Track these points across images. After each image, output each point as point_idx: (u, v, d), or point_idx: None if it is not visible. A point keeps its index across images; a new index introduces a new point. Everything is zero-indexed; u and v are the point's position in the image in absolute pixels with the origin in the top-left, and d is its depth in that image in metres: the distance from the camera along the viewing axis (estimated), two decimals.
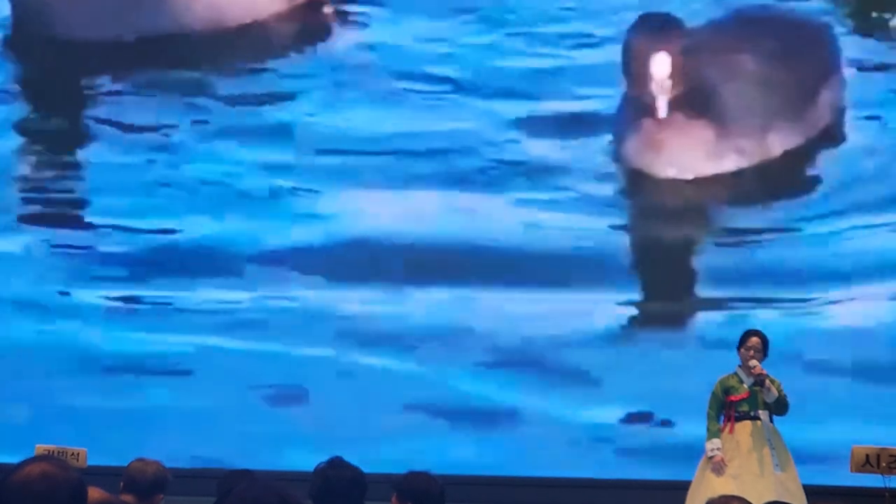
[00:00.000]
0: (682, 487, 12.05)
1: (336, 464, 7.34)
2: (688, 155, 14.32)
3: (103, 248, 14.89)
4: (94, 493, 5.54)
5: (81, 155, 15.23)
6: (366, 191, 14.72)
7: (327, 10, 15.16)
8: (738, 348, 11.84)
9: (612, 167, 14.61)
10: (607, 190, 14.65)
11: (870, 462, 11.93)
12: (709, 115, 14.21)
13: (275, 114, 14.97)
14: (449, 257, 14.52)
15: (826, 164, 14.56)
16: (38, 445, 12.07)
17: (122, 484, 8.21)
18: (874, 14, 14.82)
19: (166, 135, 15.07)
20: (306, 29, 15.19)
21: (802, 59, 14.59)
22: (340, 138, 14.78)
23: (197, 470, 12.60)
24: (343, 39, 15.16)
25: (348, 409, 14.21)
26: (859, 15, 14.74)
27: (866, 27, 14.78)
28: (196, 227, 14.81)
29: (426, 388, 14.32)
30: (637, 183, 14.64)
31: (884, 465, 11.89)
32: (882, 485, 11.95)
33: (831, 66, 14.62)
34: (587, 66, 14.82)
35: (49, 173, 15.23)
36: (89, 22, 15.01)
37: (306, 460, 7.77)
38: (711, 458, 11.64)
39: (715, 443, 11.68)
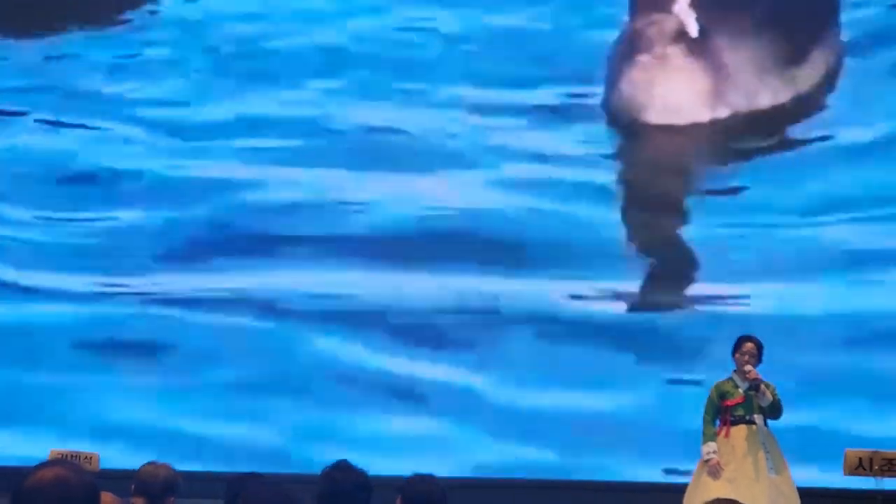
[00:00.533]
0: (679, 490, 12.33)
1: (342, 467, 7.41)
2: (683, 98, 14.67)
3: None
4: (106, 497, 5.95)
5: None
6: None
7: None
8: (733, 354, 12.08)
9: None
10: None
11: (862, 465, 12.15)
12: (706, 60, 14.55)
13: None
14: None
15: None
16: (51, 450, 12.33)
17: (133, 487, 8.17)
18: None
19: None
20: None
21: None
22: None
23: (206, 473, 12.79)
24: None
25: None
26: None
27: None
28: None
29: None
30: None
31: (876, 468, 12.11)
32: (875, 487, 12.17)
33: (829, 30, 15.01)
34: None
35: None
36: None
37: None
38: (707, 461, 11.90)
39: (711, 446, 11.90)
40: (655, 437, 14.12)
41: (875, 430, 13.81)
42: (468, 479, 13.51)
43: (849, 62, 14.95)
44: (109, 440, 13.89)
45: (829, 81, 14.86)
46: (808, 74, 14.83)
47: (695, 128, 14.70)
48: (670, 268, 14.93)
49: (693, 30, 14.18)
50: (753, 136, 14.85)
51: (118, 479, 7.87)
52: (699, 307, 14.57)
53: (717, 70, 14.52)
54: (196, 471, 12.37)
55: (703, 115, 14.63)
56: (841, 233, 14.43)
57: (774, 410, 11.98)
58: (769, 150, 14.89)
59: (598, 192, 14.75)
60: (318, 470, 7.34)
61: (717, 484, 11.63)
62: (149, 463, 8.77)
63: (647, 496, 13.65)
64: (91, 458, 12.19)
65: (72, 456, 11.83)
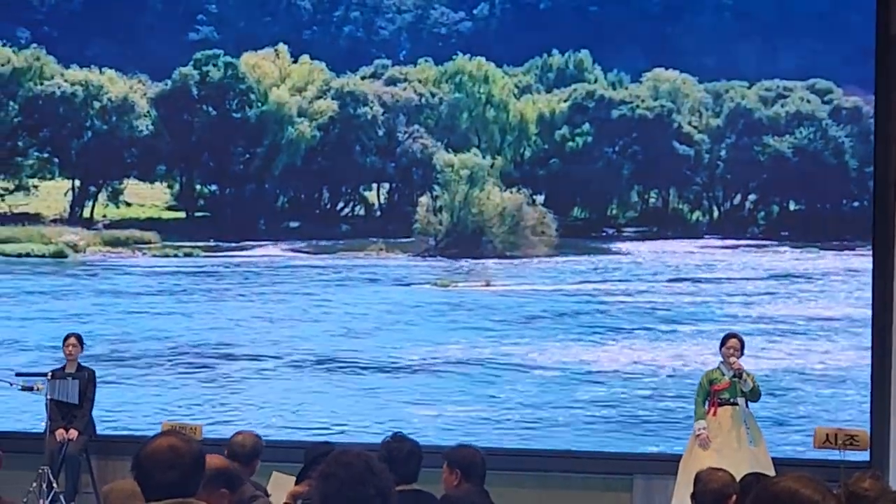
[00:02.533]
0: (674, 459, 14.21)
1: (398, 437, 8.49)
2: None
3: None
4: (216, 459, 6.46)
5: None
6: None
7: None
8: (721, 348, 14.04)
9: None
10: None
11: (829, 440, 13.96)
12: None
13: None
14: None
15: None
16: (163, 422, 14.11)
17: (226, 452, 9.29)
18: None
19: None
20: None
21: None
22: None
23: (286, 441, 14.50)
24: None
25: None
26: None
27: None
28: None
29: None
30: None
31: (840, 443, 13.78)
32: (839, 458, 13.68)
33: None
34: None
35: None
36: None
37: None
38: (698, 435, 13.80)
39: (701, 423, 13.75)
40: None
41: None
42: (503, 448, 15.15)
43: None
44: None
45: None
46: None
47: None
48: None
49: None
50: None
51: (214, 446, 7.94)
52: None
53: None
54: (278, 439, 14.25)
55: None
56: None
57: (754, 395, 13.85)
58: None
59: None
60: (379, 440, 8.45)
61: (706, 454, 13.33)
62: (238, 433, 10.39)
63: (647, 464, 15.31)
64: (196, 429, 13.68)
65: (180, 427, 13.13)
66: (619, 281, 18.24)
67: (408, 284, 18.38)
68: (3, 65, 18.66)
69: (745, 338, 14.32)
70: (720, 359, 14.06)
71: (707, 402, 13.84)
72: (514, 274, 18.45)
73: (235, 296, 18.26)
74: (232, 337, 17.58)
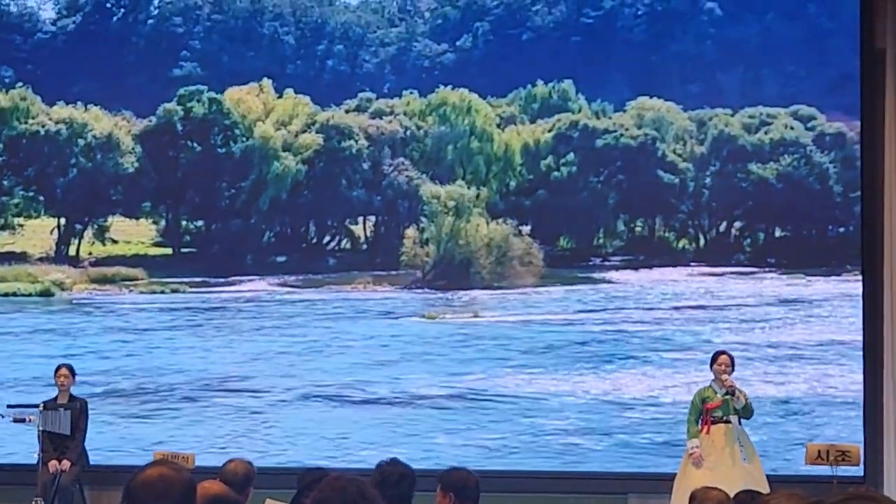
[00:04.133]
0: (669, 478, 14.18)
1: (392, 461, 8.38)
2: None
3: None
4: (215, 486, 6.59)
5: None
6: None
7: None
8: (711, 366, 14.02)
9: None
10: None
11: (821, 456, 13.98)
12: None
13: None
14: None
15: None
16: (155, 452, 14.03)
17: (218, 480, 8.25)
18: None
19: None
20: None
21: None
22: None
23: (278, 468, 14.38)
24: None
25: None
26: None
27: None
28: None
29: None
30: None
31: (832, 458, 13.82)
32: (831, 474, 13.74)
33: None
34: None
35: None
36: None
37: None
38: (691, 454, 13.78)
39: (694, 442, 13.73)
40: None
41: None
42: (497, 471, 15.09)
43: None
44: None
45: None
46: None
47: None
48: None
49: None
50: None
51: (207, 474, 7.81)
52: None
53: None
54: (268, 466, 14.15)
55: None
56: None
57: (747, 411, 13.84)
58: None
59: None
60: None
61: (700, 472, 13.34)
62: (230, 460, 10.22)
63: (643, 483, 15.37)
64: (188, 457, 13.59)
65: (171, 456, 13.08)
66: (607, 310, 18.23)
67: (395, 317, 18.34)
68: None
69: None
70: (712, 377, 14.03)
71: (700, 421, 13.80)
72: (501, 305, 18.42)
73: (224, 330, 18.18)
74: (224, 370, 17.52)
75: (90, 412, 15.24)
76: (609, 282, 18.58)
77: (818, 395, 16.60)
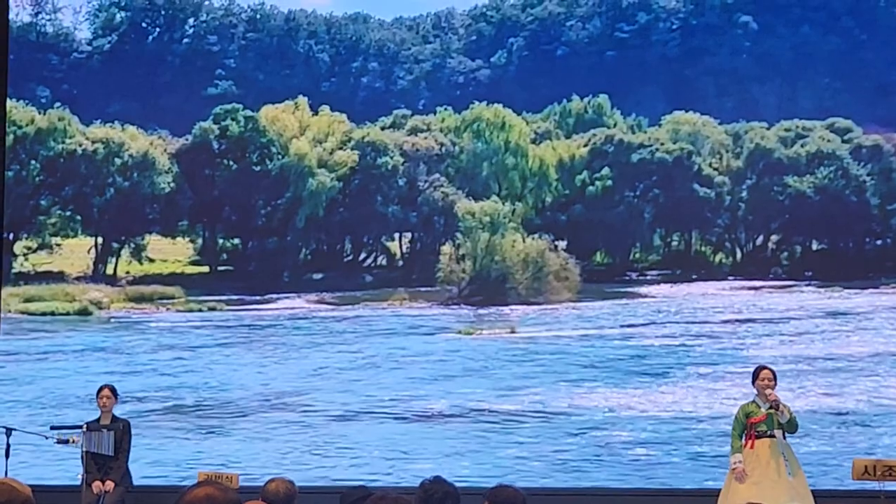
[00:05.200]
0: (713, 494, 14.04)
1: (436, 480, 7.81)
2: None
3: None
4: None
5: None
6: None
7: None
8: (754, 381, 13.86)
9: None
10: None
11: (868, 471, 13.77)
12: None
13: None
14: None
15: None
16: (199, 472, 13.91)
17: (261, 499, 8.78)
18: None
19: None
20: None
21: None
22: None
23: (320, 487, 14.30)
24: None
25: None
26: None
27: None
28: None
29: None
30: None
31: (879, 474, 13.58)
32: (878, 488, 13.04)
33: None
34: None
35: None
36: None
37: None
38: (734, 469, 13.62)
39: (737, 457, 13.45)
40: None
41: None
42: (544, 488, 14.86)
43: None
44: None
45: None
46: None
47: None
48: None
49: None
50: None
51: (250, 494, 8.05)
52: None
53: None
54: (310, 485, 14.04)
55: None
56: None
57: (791, 426, 13.61)
58: None
59: None
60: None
61: (744, 487, 12.98)
62: (271, 479, 10.41)
63: (684, 500, 15.11)
64: (232, 477, 13.12)
65: (216, 476, 12.85)
66: (644, 325, 18.15)
67: (431, 333, 18.30)
68: (27, 125, 18.70)
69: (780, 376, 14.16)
70: (755, 392, 13.87)
71: (744, 436, 13.62)
72: (538, 320, 18.37)
73: (264, 348, 18.16)
74: (265, 388, 17.48)
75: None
76: (646, 296, 18.51)
77: (876, 406, 16.46)
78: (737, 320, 17.89)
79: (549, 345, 17.89)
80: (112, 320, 18.65)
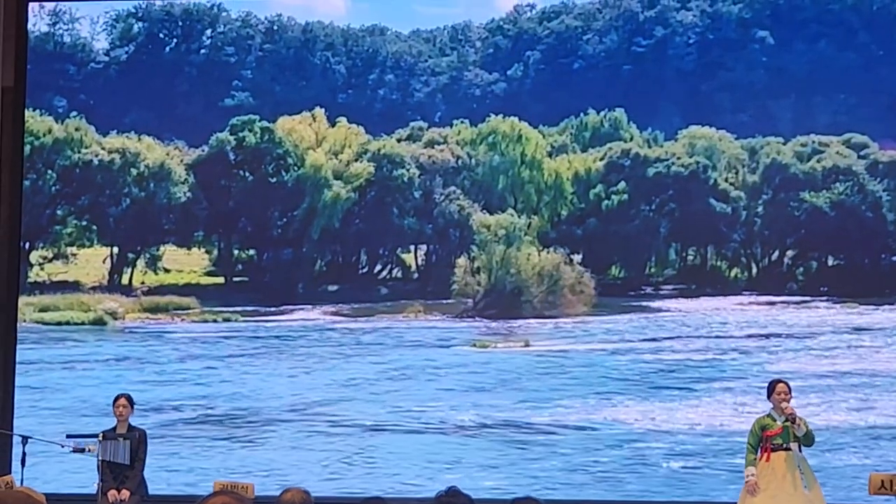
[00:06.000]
0: None
1: (452, 492, 7.36)
2: None
3: None
4: None
5: None
6: None
7: None
8: (769, 396, 13.89)
9: None
10: None
11: (884, 486, 13.83)
12: None
13: None
14: None
15: None
16: (215, 481, 13.99)
17: None
18: None
19: None
20: None
21: None
22: None
23: (335, 498, 14.36)
24: None
25: None
26: None
27: None
28: None
29: None
30: None
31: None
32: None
33: None
34: None
35: None
36: None
37: None
38: (747, 481, 13.70)
39: (751, 470, 13.59)
40: None
41: None
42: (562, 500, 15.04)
43: None
44: None
45: None
46: None
47: None
48: None
49: None
50: None
51: None
52: None
53: None
54: (326, 495, 14.14)
55: None
56: None
57: (808, 439, 13.68)
58: None
59: None
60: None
61: (760, 500, 13.23)
62: (287, 490, 10.51)
63: None
64: (247, 487, 13.55)
65: (232, 486, 13.04)
66: (658, 339, 18.15)
67: (447, 346, 18.30)
68: (44, 135, 18.77)
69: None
70: (770, 405, 13.88)
71: (759, 449, 13.65)
72: (552, 334, 18.37)
73: (278, 360, 18.18)
74: (279, 399, 17.52)
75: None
76: (661, 310, 18.50)
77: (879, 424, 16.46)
78: (761, 335, 17.87)
79: (564, 358, 17.90)
80: (127, 331, 18.67)
